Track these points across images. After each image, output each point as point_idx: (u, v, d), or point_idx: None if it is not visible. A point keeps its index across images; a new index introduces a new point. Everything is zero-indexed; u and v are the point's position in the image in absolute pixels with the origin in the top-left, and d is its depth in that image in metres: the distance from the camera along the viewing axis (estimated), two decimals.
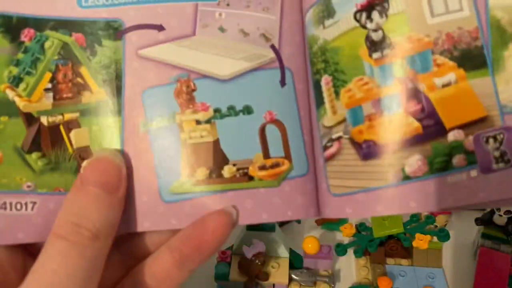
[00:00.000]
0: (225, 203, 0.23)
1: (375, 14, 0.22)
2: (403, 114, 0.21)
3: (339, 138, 0.23)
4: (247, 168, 0.23)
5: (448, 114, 0.20)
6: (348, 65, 0.23)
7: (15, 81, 0.24)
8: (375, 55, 0.22)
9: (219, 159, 0.23)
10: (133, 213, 0.22)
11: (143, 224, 0.22)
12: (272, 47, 0.25)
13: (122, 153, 0.23)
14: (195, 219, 0.22)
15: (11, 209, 0.22)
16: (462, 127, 0.20)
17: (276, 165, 0.23)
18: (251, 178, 0.23)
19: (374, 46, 0.22)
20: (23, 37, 0.24)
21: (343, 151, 0.23)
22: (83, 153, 0.24)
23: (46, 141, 0.24)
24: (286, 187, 0.23)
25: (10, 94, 0.24)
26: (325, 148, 0.24)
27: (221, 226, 0.22)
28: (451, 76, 0.20)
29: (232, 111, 0.24)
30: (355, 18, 0.22)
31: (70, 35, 0.24)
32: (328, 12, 0.24)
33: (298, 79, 0.25)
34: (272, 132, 0.24)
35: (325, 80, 0.24)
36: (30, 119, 0.24)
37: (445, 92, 0.20)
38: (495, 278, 0.39)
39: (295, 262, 0.48)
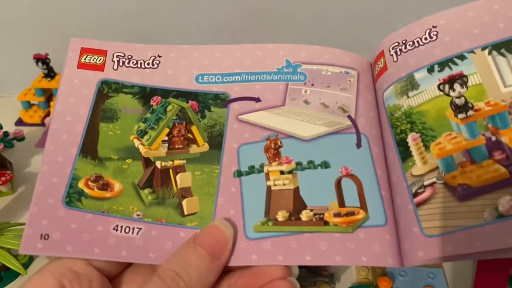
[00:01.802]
0: (302, 243, 0.24)
1: (457, 86, 0.26)
2: (491, 161, 0.24)
3: (432, 184, 0.25)
4: (323, 214, 0.25)
5: None
6: (436, 124, 0.26)
7: (141, 134, 0.29)
8: (461, 115, 0.25)
9: (298, 204, 0.26)
10: None
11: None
12: (349, 116, 0.29)
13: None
14: (273, 256, 0.24)
15: (121, 231, 0.25)
16: None
17: (351, 213, 0.25)
18: (326, 223, 0.25)
19: (459, 109, 0.25)
20: (152, 102, 0.30)
21: (438, 195, 0.24)
22: (184, 192, 0.27)
23: (157, 180, 0.28)
24: (361, 234, 0.24)
25: (136, 142, 0.29)
26: (416, 194, 0.25)
27: None
28: None
29: (311, 164, 0.27)
30: (439, 88, 0.26)
31: (187, 102, 0.30)
32: (412, 85, 0.28)
33: (374, 144, 0.28)
34: (348, 185, 0.26)
35: (413, 137, 0.27)
36: (148, 162, 0.28)
37: None
38: (495, 278, 0.38)
39: None
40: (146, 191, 0.27)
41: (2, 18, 0.58)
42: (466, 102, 0.25)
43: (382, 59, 0.31)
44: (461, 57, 0.26)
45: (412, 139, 0.27)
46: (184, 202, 0.26)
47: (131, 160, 0.28)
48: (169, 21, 0.58)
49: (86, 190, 0.26)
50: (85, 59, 0.31)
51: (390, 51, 0.30)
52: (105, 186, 0.27)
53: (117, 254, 0.24)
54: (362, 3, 0.55)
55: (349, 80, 0.31)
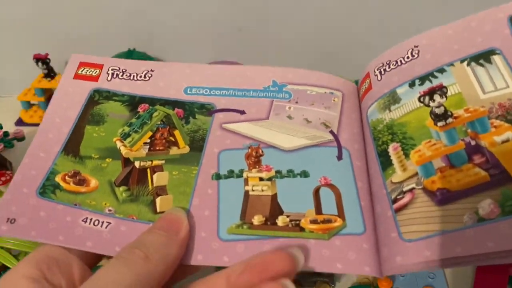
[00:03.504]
0: (276, 247, 0.23)
1: (436, 96, 0.26)
2: (471, 165, 0.23)
3: (411, 190, 0.24)
4: (299, 220, 0.25)
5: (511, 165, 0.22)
6: (416, 133, 0.26)
7: (125, 136, 0.29)
8: (440, 123, 0.25)
9: (275, 210, 0.25)
10: (190, 246, 0.24)
11: (196, 257, 0.23)
12: (331, 131, 0.30)
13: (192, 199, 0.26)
14: (245, 257, 0.22)
15: (89, 223, 0.24)
16: None
17: (328, 220, 0.24)
18: (302, 229, 0.24)
19: (438, 117, 0.25)
20: (139, 109, 0.31)
21: (417, 200, 0.24)
22: (159, 190, 0.26)
23: (134, 179, 0.27)
24: (336, 241, 0.24)
25: (118, 144, 0.29)
26: (395, 201, 0.25)
27: (286, 270, 0.20)
28: (508, 134, 0.23)
29: (291, 173, 0.27)
30: (419, 100, 0.27)
31: (173, 109, 0.31)
32: (394, 100, 0.29)
33: (355, 158, 0.28)
34: (327, 194, 0.26)
35: (393, 147, 0.27)
36: (127, 162, 0.28)
37: (505, 147, 0.22)
38: (495, 278, 0.37)
39: None
40: (121, 188, 0.27)
41: (2, 18, 0.58)
42: (446, 110, 0.25)
43: (368, 80, 0.32)
44: (441, 70, 0.27)
45: (393, 149, 0.27)
46: (158, 200, 0.26)
47: (110, 159, 0.28)
48: (169, 20, 0.58)
49: (62, 183, 0.26)
50: (81, 71, 0.32)
51: (375, 72, 0.31)
52: (81, 181, 0.26)
53: (82, 243, 0.23)
54: (362, 2, 0.55)
55: (334, 100, 0.32)
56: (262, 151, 0.28)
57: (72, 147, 0.28)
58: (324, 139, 0.29)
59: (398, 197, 0.24)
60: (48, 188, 0.26)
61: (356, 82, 0.34)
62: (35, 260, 0.21)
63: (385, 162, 0.27)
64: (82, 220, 0.24)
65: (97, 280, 0.19)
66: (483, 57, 0.26)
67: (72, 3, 0.58)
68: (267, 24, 0.58)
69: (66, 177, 0.27)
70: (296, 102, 0.32)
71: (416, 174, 0.25)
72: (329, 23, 0.58)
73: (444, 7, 0.53)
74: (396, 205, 0.24)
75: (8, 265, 0.37)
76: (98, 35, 0.60)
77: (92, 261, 0.24)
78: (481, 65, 0.25)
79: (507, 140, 0.22)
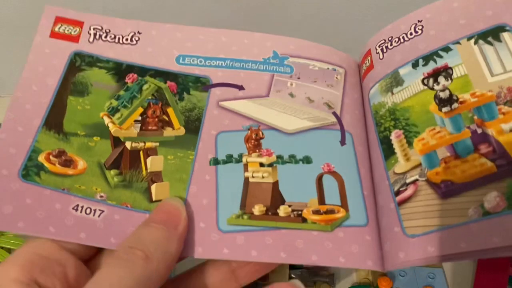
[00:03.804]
0: (278, 239, 0.23)
1: (441, 79, 0.25)
2: (477, 155, 0.22)
3: (415, 181, 0.24)
4: (302, 210, 0.24)
5: None
6: (419, 119, 0.25)
7: (113, 111, 0.27)
8: (445, 109, 0.24)
9: (277, 199, 0.24)
10: (189, 238, 0.23)
11: (197, 250, 0.22)
12: (334, 113, 0.28)
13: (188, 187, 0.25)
14: (247, 251, 0.22)
15: (81, 211, 0.23)
16: None
17: (331, 211, 0.24)
18: (304, 220, 0.24)
19: (443, 102, 0.24)
20: (127, 79, 0.28)
21: (420, 193, 0.23)
22: (154, 176, 0.25)
23: (126, 162, 0.25)
24: (340, 233, 0.23)
25: (106, 120, 0.27)
26: (398, 193, 0.24)
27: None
28: None
29: (292, 159, 0.26)
30: (423, 83, 0.25)
31: (165, 82, 0.28)
32: (396, 82, 0.27)
33: (358, 142, 0.27)
34: (330, 182, 0.25)
35: (396, 134, 0.26)
36: (117, 142, 0.26)
37: None
38: (495, 278, 0.38)
39: None
40: (113, 172, 0.25)
41: (1, 18, 0.56)
42: (451, 94, 0.24)
43: (369, 57, 0.30)
44: (446, 49, 0.25)
45: (395, 136, 0.26)
46: (153, 187, 0.24)
47: (98, 138, 0.26)
48: (169, 20, 0.57)
49: (46, 164, 0.24)
50: (59, 28, 0.28)
51: (376, 49, 0.30)
52: (68, 163, 0.24)
53: (75, 235, 0.22)
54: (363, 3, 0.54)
55: (336, 77, 0.30)
56: (263, 134, 0.26)
57: (54, 121, 0.25)
58: (327, 121, 0.28)
59: (401, 189, 0.24)
60: (31, 170, 0.23)
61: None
62: (23, 260, 0.19)
63: (388, 150, 0.26)
64: (73, 208, 0.22)
65: (96, 285, 0.18)
66: (492, 34, 0.24)
67: (71, 3, 0.55)
68: (267, 24, 0.56)
69: (51, 157, 0.24)
70: (298, 78, 0.30)
71: (420, 164, 0.24)
72: (329, 22, 0.57)
73: None
74: (399, 198, 0.24)
75: None
76: None
77: (87, 254, 0.22)
78: (490, 43, 0.24)
79: None
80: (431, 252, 0.21)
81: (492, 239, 0.19)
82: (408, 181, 0.24)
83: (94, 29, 0.29)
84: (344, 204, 0.24)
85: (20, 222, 0.21)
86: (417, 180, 0.24)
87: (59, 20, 0.29)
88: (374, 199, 0.25)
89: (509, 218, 0.19)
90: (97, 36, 0.29)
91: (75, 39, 0.28)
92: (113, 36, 0.29)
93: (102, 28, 0.29)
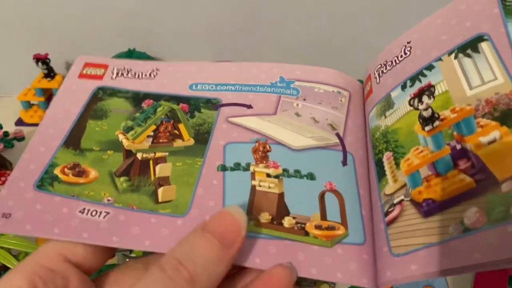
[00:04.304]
0: (281, 249, 0.23)
1: (425, 98, 0.26)
2: (456, 172, 0.22)
3: (400, 202, 0.24)
4: (305, 224, 0.25)
5: (498, 167, 0.20)
6: (406, 140, 0.26)
7: (128, 130, 0.30)
8: (427, 128, 0.25)
9: (282, 209, 0.25)
10: None
11: None
12: (337, 134, 0.30)
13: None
14: (250, 257, 0.23)
15: (87, 214, 0.24)
16: None
17: (332, 227, 0.25)
18: (307, 234, 0.24)
19: (426, 121, 0.25)
20: (143, 104, 0.32)
21: (405, 213, 0.24)
22: (162, 181, 0.26)
23: (136, 170, 0.27)
24: (339, 250, 0.24)
25: (121, 137, 0.30)
26: (387, 213, 0.25)
27: (286, 283, 0.21)
28: (495, 134, 0.21)
29: (298, 173, 0.27)
30: (409, 104, 0.26)
31: (178, 104, 0.31)
32: (388, 105, 0.29)
33: (359, 164, 0.28)
34: (331, 200, 0.26)
35: (387, 156, 0.27)
36: (129, 154, 0.28)
37: (491, 148, 0.21)
38: (495, 278, 0.37)
39: None
40: (122, 178, 0.26)
41: (2, 18, 0.59)
42: (433, 113, 0.24)
43: (369, 82, 0.32)
44: (430, 67, 0.26)
45: (386, 158, 0.27)
46: (160, 190, 0.26)
47: (112, 151, 0.29)
48: (169, 20, 0.59)
49: (60, 175, 0.26)
50: (86, 71, 0.33)
51: (374, 74, 0.31)
52: (81, 173, 0.27)
53: (77, 235, 0.23)
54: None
55: (341, 100, 0.32)
56: (270, 147, 0.28)
57: (73, 140, 0.28)
58: (330, 141, 0.29)
59: (390, 209, 0.24)
60: (46, 181, 0.25)
61: (361, 81, 0.34)
62: (28, 271, 0.20)
63: (380, 172, 0.27)
64: (79, 211, 0.24)
65: None
66: (471, 45, 0.24)
67: (72, 3, 0.58)
68: (267, 25, 0.58)
69: (65, 169, 0.26)
70: (304, 99, 0.32)
71: (405, 185, 0.24)
72: (329, 23, 0.57)
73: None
74: (387, 218, 0.24)
75: (9, 265, 0.38)
76: (98, 34, 0.60)
77: (92, 267, 0.23)
78: (469, 55, 0.24)
79: (493, 141, 0.21)
80: (414, 271, 0.21)
81: (473, 255, 0.19)
82: (395, 201, 0.24)
83: (117, 69, 0.33)
84: (344, 222, 0.25)
85: (27, 225, 0.23)
86: (402, 200, 0.24)
87: (87, 65, 0.33)
88: (371, 219, 0.26)
89: (489, 233, 0.19)
90: (119, 74, 0.33)
91: (99, 77, 0.33)
92: (134, 73, 0.33)
93: (124, 68, 0.33)
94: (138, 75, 0.33)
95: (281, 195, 0.26)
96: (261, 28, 0.55)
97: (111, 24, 0.60)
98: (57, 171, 0.26)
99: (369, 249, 0.24)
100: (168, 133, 0.30)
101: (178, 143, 0.29)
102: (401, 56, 0.28)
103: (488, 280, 0.36)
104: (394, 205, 0.24)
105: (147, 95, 0.32)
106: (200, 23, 0.59)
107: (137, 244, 0.23)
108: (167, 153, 0.28)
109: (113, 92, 0.31)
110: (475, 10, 0.25)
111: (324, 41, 0.57)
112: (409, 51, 0.28)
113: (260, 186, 0.26)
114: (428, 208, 0.22)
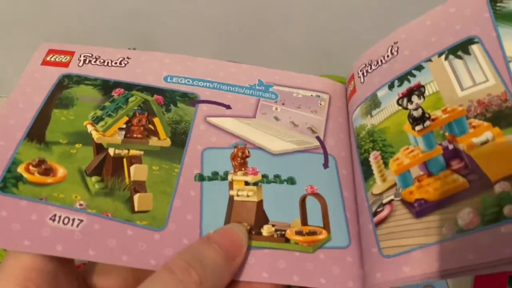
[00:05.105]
0: (260, 259, 0.23)
1: (414, 98, 0.26)
2: (448, 172, 0.22)
3: (390, 202, 0.24)
4: (285, 230, 0.24)
5: (491, 168, 0.20)
6: (395, 139, 0.26)
7: (97, 120, 0.27)
8: (418, 127, 0.25)
9: (260, 218, 0.25)
10: (171, 253, 0.22)
11: None
12: (318, 137, 0.30)
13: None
14: None
15: (58, 222, 0.22)
16: (507, 178, 0.20)
17: (313, 232, 0.24)
18: (287, 240, 0.24)
19: (416, 121, 0.25)
20: (113, 93, 0.29)
21: (395, 213, 0.23)
22: (138, 186, 0.24)
23: (108, 168, 0.25)
24: (321, 255, 0.23)
25: (89, 128, 0.27)
26: (375, 213, 0.24)
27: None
28: (487, 135, 0.21)
29: (277, 179, 0.26)
30: (398, 103, 0.26)
31: (152, 96, 0.29)
32: (374, 104, 0.28)
33: (342, 166, 0.28)
34: (313, 204, 0.26)
35: (374, 155, 0.27)
36: (100, 148, 0.26)
37: (484, 149, 0.21)
38: (495, 278, 0.37)
39: None
40: (94, 178, 0.25)
41: (2, 18, 0.57)
42: (423, 112, 0.24)
43: (353, 82, 0.32)
44: (419, 67, 0.26)
45: (373, 158, 0.26)
46: (136, 197, 0.24)
47: (80, 145, 0.26)
48: (168, 21, 0.58)
49: (25, 175, 0.23)
50: (50, 58, 0.29)
51: (358, 73, 0.31)
52: (48, 171, 0.24)
53: (51, 248, 0.21)
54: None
55: (320, 103, 0.32)
56: (249, 152, 0.27)
57: (37, 132, 0.26)
58: (310, 145, 0.29)
59: (378, 210, 0.24)
60: (9, 182, 0.23)
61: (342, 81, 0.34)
62: (20, 277, 0.19)
63: (367, 172, 0.26)
64: (50, 219, 0.22)
65: None
66: (461, 47, 0.24)
67: (72, 3, 0.57)
68: (267, 25, 0.58)
69: (30, 167, 0.24)
70: (283, 104, 0.31)
71: (395, 184, 0.24)
72: (330, 23, 0.59)
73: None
74: (376, 219, 0.24)
75: None
76: (98, 34, 0.60)
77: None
78: (459, 57, 0.24)
79: (486, 141, 0.21)
80: (406, 272, 0.21)
81: (467, 257, 0.19)
82: (384, 201, 0.24)
83: (84, 56, 0.30)
84: (326, 226, 0.25)
85: None
86: (392, 200, 0.24)
87: (51, 51, 0.30)
88: (357, 220, 0.25)
89: (483, 235, 0.19)
90: (87, 61, 0.30)
91: (65, 64, 0.29)
92: (102, 60, 0.30)
93: (92, 55, 0.30)
94: (108, 63, 0.30)
95: (259, 203, 0.25)
96: (261, 28, 0.55)
97: (111, 24, 0.59)
98: (21, 169, 0.24)
99: (354, 251, 0.24)
100: (142, 127, 0.27)
101: (153, 141, 0.27)
102: (388, 56, 0.28)
103: (488, 280, 0.37)
104: (383, 205, 0.24)
105: (117, 84, 0.29)
106: (200, 24, 0.59)
107: (114, 259, 0.21)
108: (142, 152, 0.26)
109: (80, 79, 0.29)
110: (465, 13, 0.25)
111: (324, 41, 0.58)
112: (396, 51, 0.28)
113: (238, 195, 0.25)
114: (420, 209, 0.22)
